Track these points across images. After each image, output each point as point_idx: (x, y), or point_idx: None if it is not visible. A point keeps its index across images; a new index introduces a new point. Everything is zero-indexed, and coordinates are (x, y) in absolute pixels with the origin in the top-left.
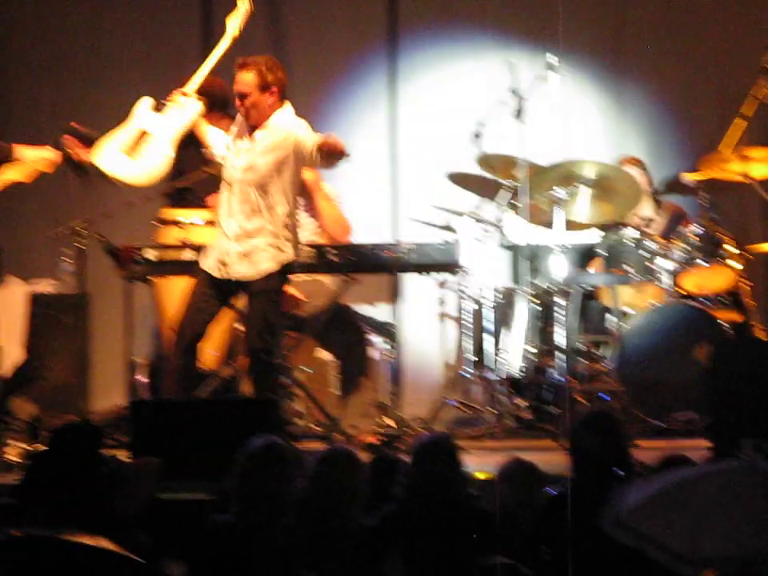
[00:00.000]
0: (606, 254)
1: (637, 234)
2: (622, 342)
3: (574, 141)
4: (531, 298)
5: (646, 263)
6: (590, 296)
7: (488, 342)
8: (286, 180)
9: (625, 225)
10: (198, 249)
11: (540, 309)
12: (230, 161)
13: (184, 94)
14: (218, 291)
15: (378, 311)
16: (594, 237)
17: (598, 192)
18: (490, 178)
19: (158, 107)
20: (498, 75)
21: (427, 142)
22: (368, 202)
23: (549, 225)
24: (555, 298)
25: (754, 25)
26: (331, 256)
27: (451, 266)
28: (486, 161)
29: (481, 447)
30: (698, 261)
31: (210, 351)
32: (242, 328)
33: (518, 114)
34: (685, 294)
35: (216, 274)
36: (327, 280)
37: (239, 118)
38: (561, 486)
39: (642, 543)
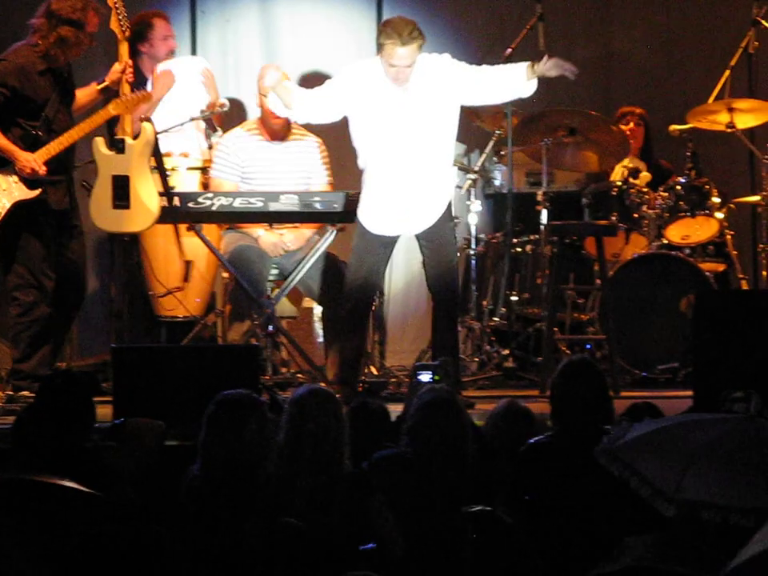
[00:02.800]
0: (592, 204)
1: (622, 184)
2: (606, 291)
3: (561, 90)
4: (516, 248)
5: (632, 213)
6: (574, 246)
7: (472, 291)
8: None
9: (610, 174)
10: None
11: (524, 258)
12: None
13: None
14: None
15: None
16: (580, 186)
17: (583, 141)
18: (477, 128)
19: None
20: (486, 24)
21: None
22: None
23: (535, 174)
24: (540, 248)
25: None
26: (316, 204)
27: None
28: (473, 111)
29: (465, 395)
30: (684, 211)
31: (195, 299)
32: (227, 275)
33: (507, 62)
34: (671, 244)
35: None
36: (310, 229)
37: None
38: (542, 435)
39: (628, 474)
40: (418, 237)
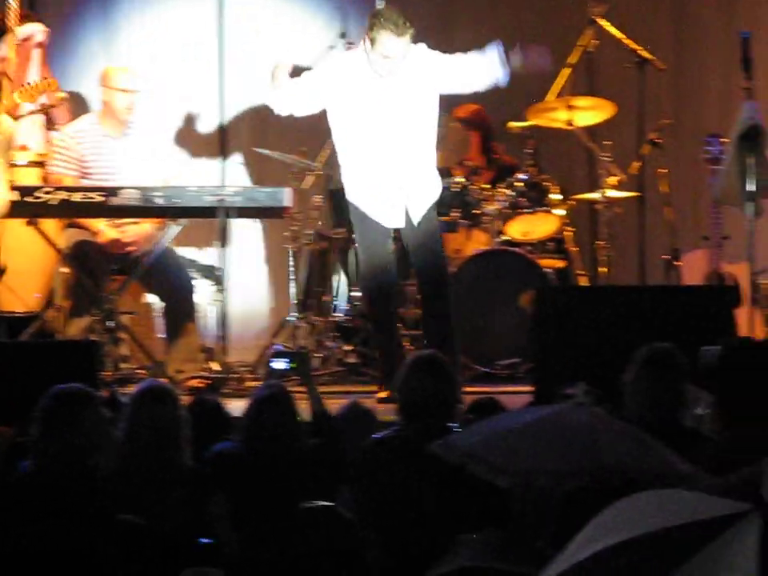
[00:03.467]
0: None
1: (463, 180)
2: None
3: None
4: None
5: (473, 210)
6: None
7: (314, 286)
8: None
9: (451, 171)
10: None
11: None
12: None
13: None
14: None
15: (206, 255)
16: None
17: None
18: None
19: None
20: (329, 20)
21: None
22: (196, 145)
23: None
24: None
25: None
26: (157, 199)
27: (278, 211)
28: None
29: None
30: (525, 207)
31: (34, 294)
32: (66, 270)
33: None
34: (511, 240)
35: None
36: (150, 223)
37: None
38: (387, 430)
39: (465, 459)
40: (404, 230)
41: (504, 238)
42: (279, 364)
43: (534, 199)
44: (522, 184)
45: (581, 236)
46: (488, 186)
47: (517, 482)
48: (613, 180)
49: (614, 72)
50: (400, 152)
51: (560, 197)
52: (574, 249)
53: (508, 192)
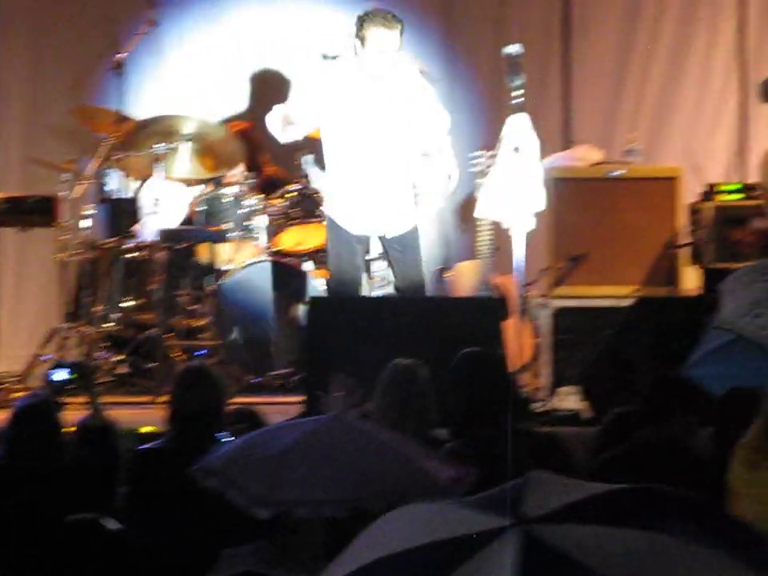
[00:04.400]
0: (205, 210)
1: (235, 191)
2: (220, 298)
3: (176, 96)
4: (130, 253)
5: (244, 220)
6: (188, 252)
7: (85, 296)
8: None
9: (224, 181)
10: None
11: (138, 263)
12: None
13: None
14: None
15: None
16: (194, 192)
17: (198, 148)
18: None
19: None
20: (100, 30)
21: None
22: None
23: (149, 180)
24: (152, 253)
25: None
26: None
27: (48, 220)
28: (84, 114)
29: (78, 402)
30: (296, 218)
31: None
32: None
33: (118, 67)
34: (282, 251)
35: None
36: None
37: None
38: (158, 441)
39: (226, 487)
40: (386, 239)
41: (276, 248)
42: (60, 374)
43: (307, 210)
44: (295, 194)
45: None
46: (260, 197)
47: (277, 512)
48: None
49: None
50: (388, 158)
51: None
52: None
53: (280, 203)
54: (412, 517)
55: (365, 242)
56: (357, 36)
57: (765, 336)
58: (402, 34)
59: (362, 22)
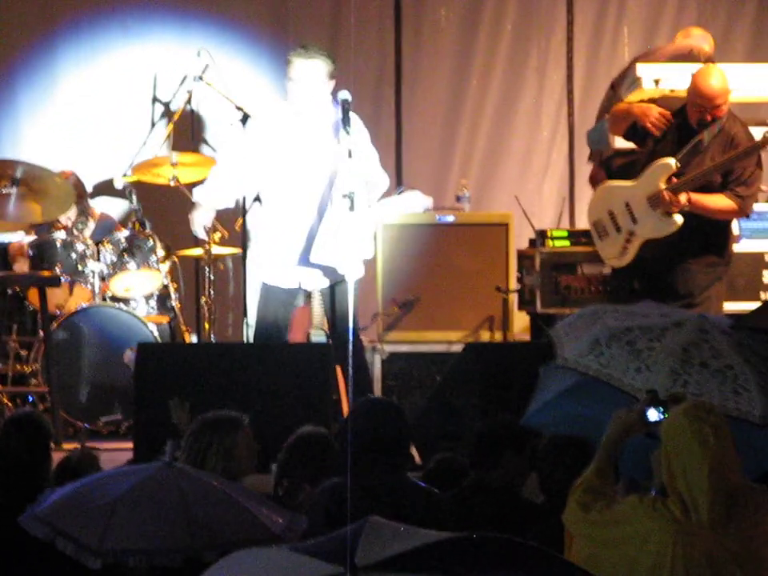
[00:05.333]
0: (35, 255)
1: (66, 236)
2: (50, 343)
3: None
4: None
5: (77, 265)
6: (17, 296)
7: None
8: None
9: (55, 226)
10: None
11: None
12: None
13: None
14: None
15: None
16: (21, 237)
17: (26, 192)
18: None
19: None
20: None
21: None
22: None
23: None
24: None
25: None
26: None
27: None
28: None
29: None
30: (128, 263)
31: None
32: None
33: None
34: (114, 296)
35: None
36: None
37: None
38: None
39: (54, 536)
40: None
41: (107, 293)
42: None
43: (138, 255)
44: (125, 240)
45: (186, 292)
46: (92, 242)
47: (107, 561)
48: (216, 236)
49: (217, 128)
50: (314, 200)
51: (164, 253)
52: (179, 305)
53: (112, 248)
54: (245, 563)
55: (295, 294)
56: (286, 75)
57: (607, 373)
58: (328, 66)
59: (287, 58)
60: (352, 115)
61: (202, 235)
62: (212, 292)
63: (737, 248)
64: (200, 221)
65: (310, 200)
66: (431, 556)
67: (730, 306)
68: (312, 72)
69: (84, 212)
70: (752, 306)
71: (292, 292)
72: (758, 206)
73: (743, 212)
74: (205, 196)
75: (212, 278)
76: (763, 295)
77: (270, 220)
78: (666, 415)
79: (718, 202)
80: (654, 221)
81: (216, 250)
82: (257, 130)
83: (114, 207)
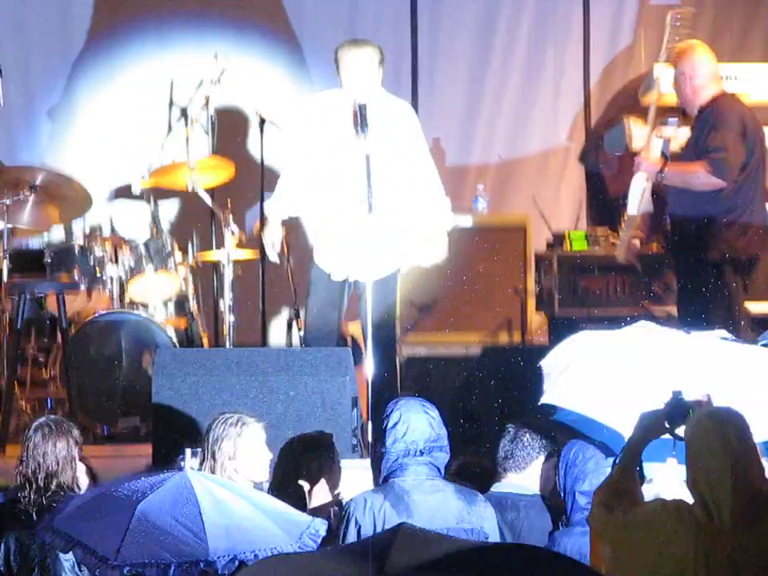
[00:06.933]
0: (53, 260)
1: (84, 241)
2: (69, 348)
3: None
4: None
5: (95, 271)
6: (38, 302)
7: None
8: None
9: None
10: None
11: None
12: None
13: None
14: None
15: None
16: (41, 242)
17: (45, 198)
18: None
19: None
20: None
21: None
22: None
23: None
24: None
25: None
26: None
27: None
28: None
29: None
30: (146, 268)
31: None
32: None
33: None
34: (132, 301)
35: None
36: None
37: None
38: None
39: (71, 546)
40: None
41: (126, 298)
42: None
43: (156, 260)
44: (143, 245)
45: (203, 296)
46: (110, 247)
47: (128, 574)
48: (235, 240)
49: (234, 132)
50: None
51: (181, 257)
52: (197, 309)
53: (129, 253)
54: (277, 569)
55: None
56: (337, 70)
57: None
58: (378, 55)
59: (335, 52)
60: (401, 105)
61: (274, 258)
62: (231, 295)
63: None
64: (268, 240)
65: (359, 191)
66: (463, 564)
67: (753, 307)
68: (365, 59)
69: None
70: None
71: (341, 283)
72: None
73: (717, 174)
74: (278, 208)
75: (230, 281)
76: None
77: (322, 209)
78: (691, 417)
79: (693, 166)
80: None
81: (234, 253)
82: (310, 125)
83: (131, 212)
